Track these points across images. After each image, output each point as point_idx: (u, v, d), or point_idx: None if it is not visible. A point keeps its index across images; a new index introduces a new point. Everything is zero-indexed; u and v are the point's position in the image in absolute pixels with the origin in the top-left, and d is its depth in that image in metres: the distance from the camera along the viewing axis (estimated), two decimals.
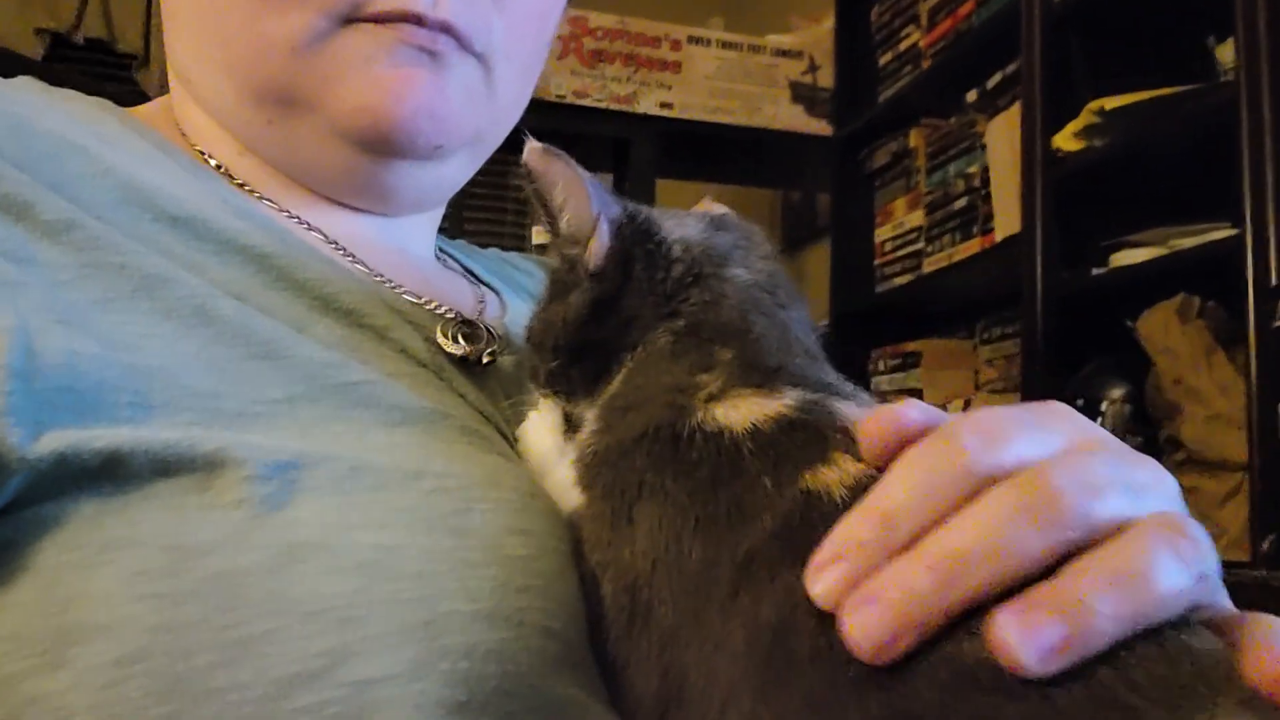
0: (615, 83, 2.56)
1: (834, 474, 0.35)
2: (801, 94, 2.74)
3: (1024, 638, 0.29)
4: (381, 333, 0.48)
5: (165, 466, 0.37)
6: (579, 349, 0.45)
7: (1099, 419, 1.57)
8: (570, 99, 2.55)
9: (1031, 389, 1.79)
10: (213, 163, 0.54)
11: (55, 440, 0.36)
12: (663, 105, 2.60)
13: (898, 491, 0.33)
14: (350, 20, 0.50)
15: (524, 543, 0.41)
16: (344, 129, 0.52)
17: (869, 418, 0.36)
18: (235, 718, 0.33)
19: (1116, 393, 1.67)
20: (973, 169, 2.20)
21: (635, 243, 0.45)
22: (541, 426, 0.48)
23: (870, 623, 0.31)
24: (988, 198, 2.12)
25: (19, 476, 0.35)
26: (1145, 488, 0.34)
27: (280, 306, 0.46)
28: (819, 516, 0.34)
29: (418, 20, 0.50)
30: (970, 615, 0.30)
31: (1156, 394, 1.61)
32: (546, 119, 2.58)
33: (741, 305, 0.43)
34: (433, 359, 0.49)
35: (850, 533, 0.33)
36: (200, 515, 0.37)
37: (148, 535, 0.36)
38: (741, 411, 0.39)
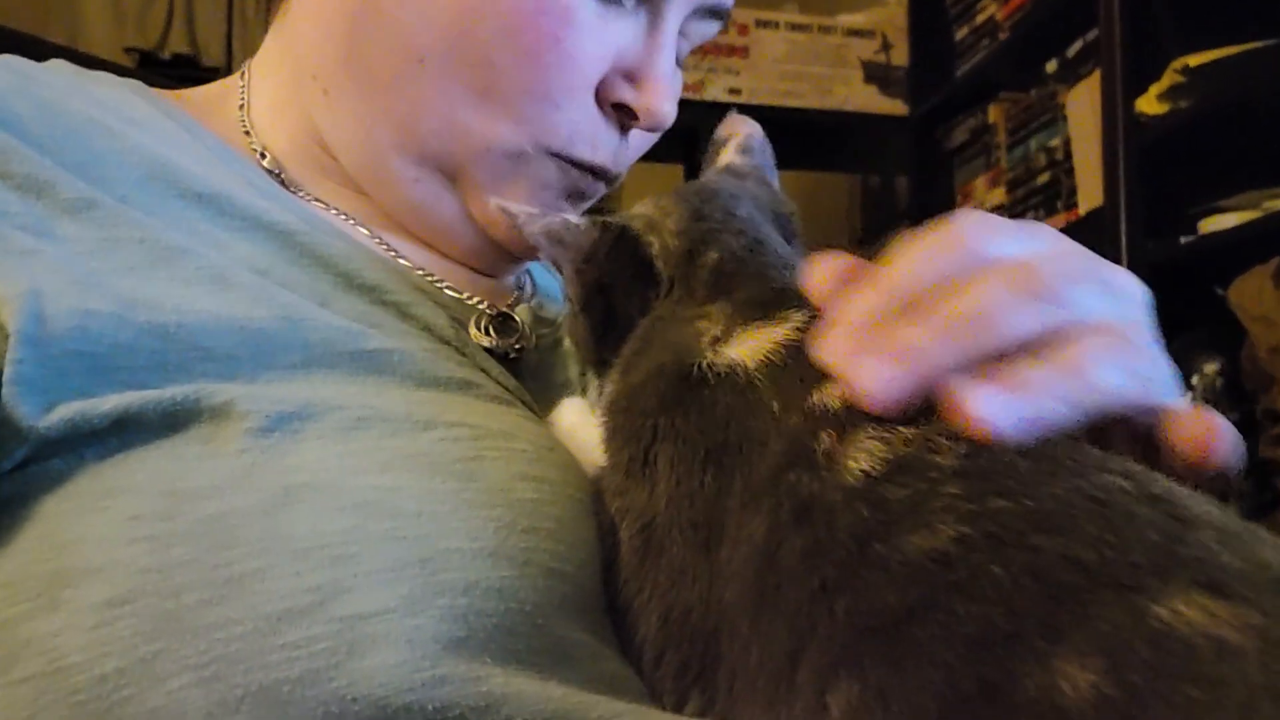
0: (681, 71, 2.54)
1: (839, 388, 0.34)
2: (875, 74, 2.68)
3: (1003, 413, 0.31)
4: (404, 309, 0.48)
5: (174, 421, 0.38)
6: (602, 334, 0.47)
7: (1190, 393, 1.49)
8: None
9: None
10: (265, 161, 0.55)
11: (66, 409, 0.37)
12: (731, 91, 2.56)
13: (902, 269, 0.35)
14: (550, 152, 0.52)
15: (535, 489, 0.41)
16: (494, 227, 0.54)
17: (813, 265, 0.38)
18: (223, 654, 0.33)
19: (1209, 366, 1.58)
20: (1054, 142, 2.12)
21: (613, 244, 0.46)
22: (576, 404, 0.49)
23: (879, 372, 0.33)
24: (1071, 171, 2.04)
25: (29, 444, 0.36)
26: (1119, 289, 0.36)
27: (303, 282, 0.46)
28: (823, 429, 0.33)
29: (601, 175, 0.54)
30: (921, 512, 0.29)
31: (1251, 365, 1.52)
32: None
33: (723, 272, 0.44)
34: (457, 337, 0.50)
35: (856, 302, 0.35)
36: (199, 463, 0.37)
37: (145, 482, 0.36)
38: (750, 345, 0.39)
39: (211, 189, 0.47)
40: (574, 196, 0.55)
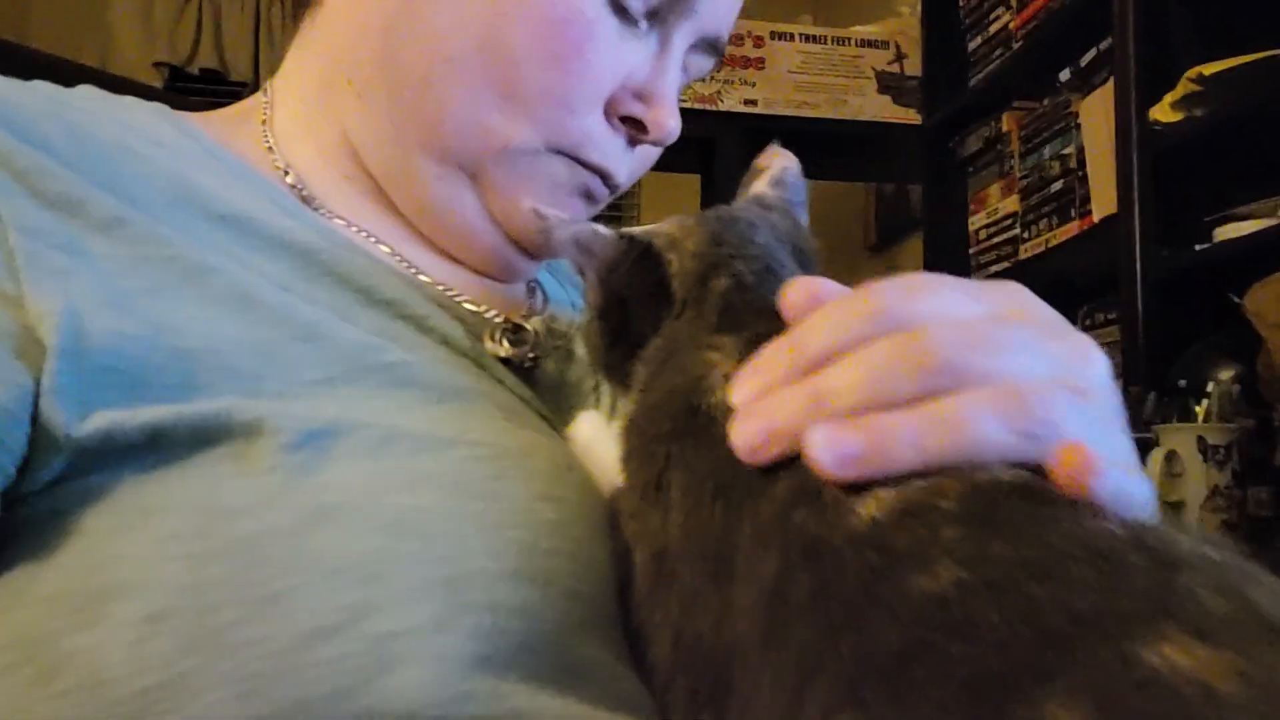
0: (698, 82, 2.56)
1: None
2: (889, 84, 2.69)
3: (826, 446, 0.32)
4: (421, 322, 0.50)
5: (205, 437, 0.39)
6: (613, 342, 0.48)
7: (1204, 401, 1.49)
8: None
9: (1133, 373, 1.70)
10: (288, 177, 0.56)
11: (101, 419, 0.38)
12: (747, 102, 2.58)
13: (814, 326, 0.35)
14: (561, 152, 0.55)
15: (555, 509, 0.42)
16: (510, 221, 0.56)
17: (789, 287, 0.38)
18: (258, 669, 0.34)
19: (1225, 374, 1.58)
20: (1068, 150, 2.12)
21: (636, 258, 0.47)
22: (594, 418, 0.50)
23: (746, 430, 0.34)
24: (1085, 179, 2.04)
25: (66, 453, 0.38)
26: (1055, 357, 0.35)
27: (324, 298, 0.47)
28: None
29: (606, 178, 0.57)
30: (924, 556, 0.29)
31: (1267, 372, 1.51)
32: None
33: (732, 301, 0.44)
34: (473, 348, 0.51)
35: (766, 355, 0.36)
36: (233, 481, 0.38)
37: (182, 501, 0.38)
38: None
39: (234, 210, 0.48)
40: (585, 197, 0.58)
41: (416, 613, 0.36)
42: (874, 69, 2.69)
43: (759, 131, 2.60)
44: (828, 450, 0.32)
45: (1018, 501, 0.31)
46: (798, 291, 0.37)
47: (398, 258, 0.56)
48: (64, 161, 0.45)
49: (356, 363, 0.44)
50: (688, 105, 2.56)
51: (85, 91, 0.54)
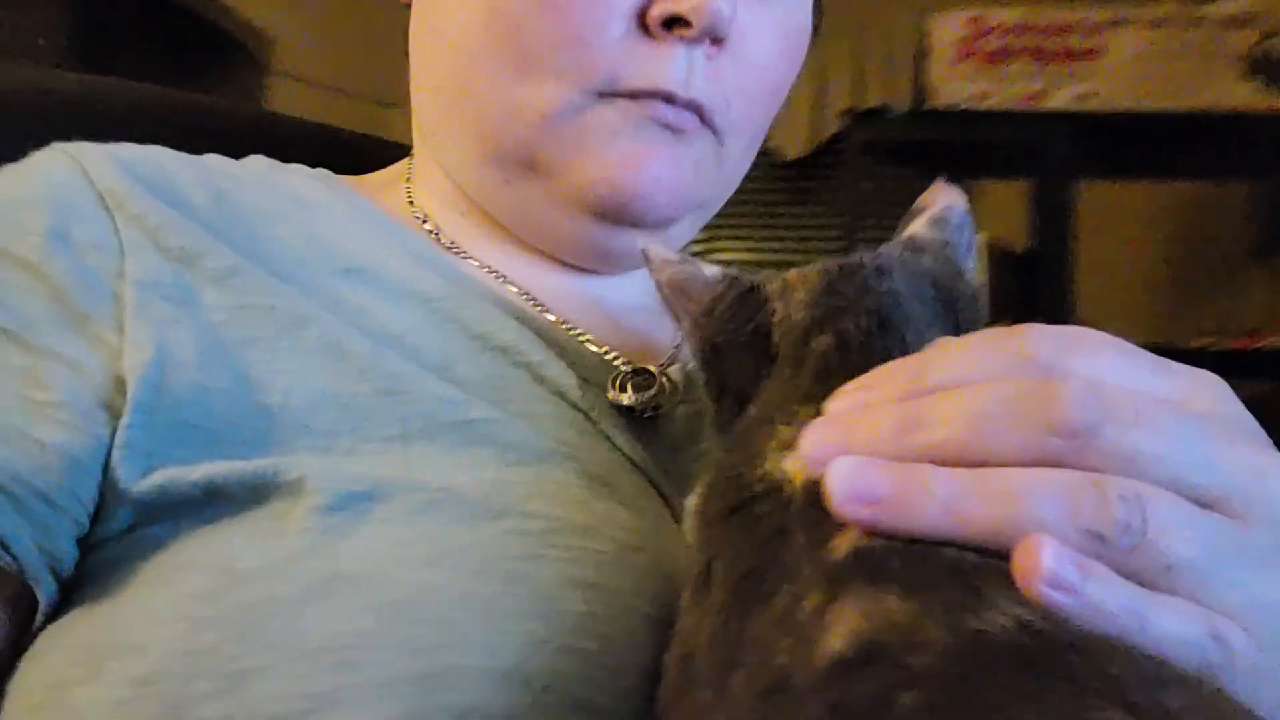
0: (1021, 81, 2.35)
1: (850, 536, 0.30)
2: (1258, 67, 2.34)
3: (847, 477, 0.29)
4: (536, 370, 0.49)
5: (255, 495, 0.39)
6: (714, 396, 0.43)
7: None
8: (967, 105, 2.36)
9: None
10: (426, 225, 0.58)
11: (160, 475, 0.39)
12: (1079, 99, 2.34)
13: (946, 353, 0.32)
14: (603, 94, 0.51)
15: (588, 599, 0.38)
16: (582, 197, 0.53)
17: (834, 397, 0.33)
18: None
19: None
20: None
21: (736, 301, 0.42)
22: None
23: (812, 439, 0.31)
24: None
25: (128, 506, 0.39)
26: (1214, 460, 0.29)
27: (433, 346, 0.47)
28: (816, 586, 0.29)
29: (669, 98, 0.51)
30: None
31: None
32: (943, 130, 2.44)
33: (830, 363, 0.38)
34: (587, 401, 0.49)
35: (880, 371, 0.33)
36: (264, 540, 0.38)
37: (212, 558, 0.38)
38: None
39: (363, 263, 0.50)
40: (665, 131, 0.52)
41: (378, 711, 0.33)
42: (1237, 52, 2.36)
43: (1094, 130, 2.37)
44: (846, 481, 0.29)
45: (1004, 674, 0.25)
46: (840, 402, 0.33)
47: (525, 295, 0.55)
48: (199, 220, 0.47)
49: (432, 418, 0.43)
50: (1009, 107, 2.37)
51: (251, 161, 0.57)
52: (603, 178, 0.52)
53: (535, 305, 0.55)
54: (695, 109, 0.52)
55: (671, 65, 0.51)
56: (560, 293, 0.56)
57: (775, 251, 3.23)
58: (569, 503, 0.42)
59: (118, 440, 0.39)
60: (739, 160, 0.58)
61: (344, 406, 0.43)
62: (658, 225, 0.55)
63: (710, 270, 0.43)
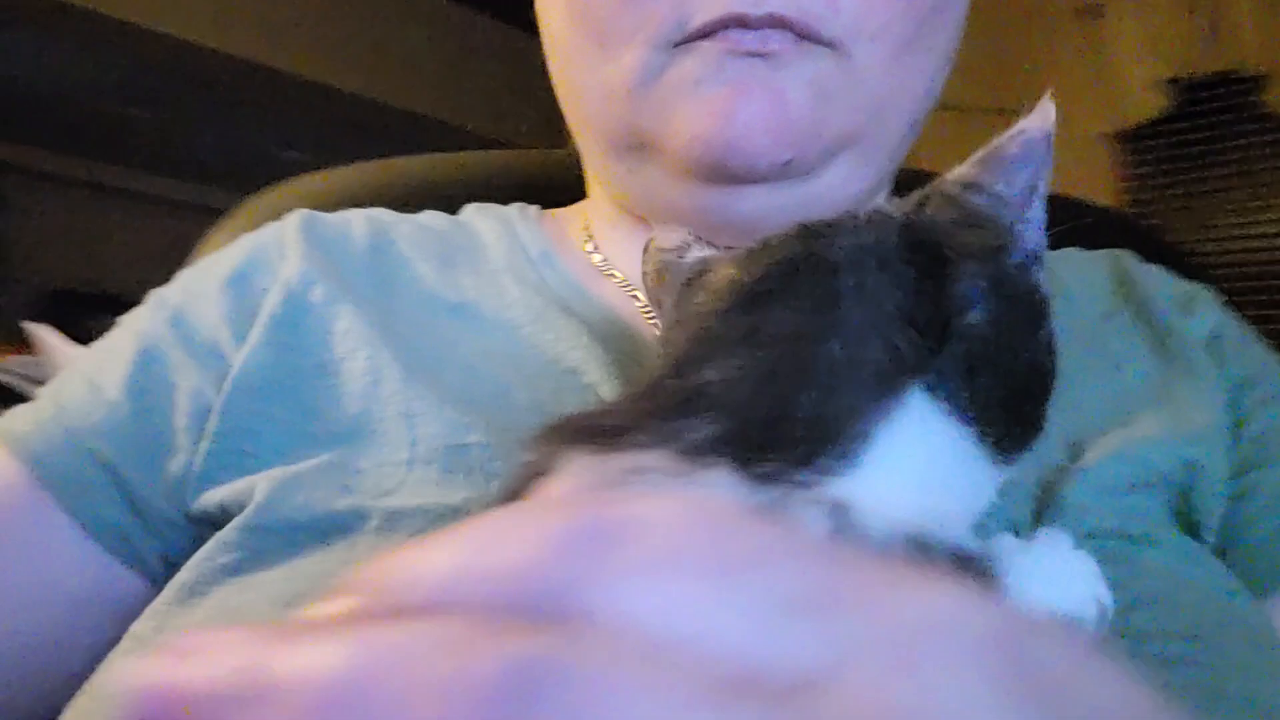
0: None
1: None
2: None
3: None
4: (597, 392, 0.47)
5: (295, 530, 0.41)
6: None
7: None
8: None
9: None
10: (589, 245, 0.58)
11: (213, 495, 0.44)
12: None
13: (432, 553, 0.19)
14: (679, 44, 0.46)
15: None
16: (684, 164, 0.47)
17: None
18: None
19: None
20: None
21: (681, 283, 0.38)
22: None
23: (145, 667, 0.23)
24: None
25: (182, 530, 0.44)
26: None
27: (492, 373, 0.47)
28: None
29: (742, 23, 0.45)
30: None
31: None
32: None
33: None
34: None
35: (364, 573, 0.20)
36: (266, 576, 0.39)
37: (220, 593, 0.39)
38: None
39: (465, 299, 0.52)
40: (757, 62, 0.45)
41: None
42: None
43: None
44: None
45: None
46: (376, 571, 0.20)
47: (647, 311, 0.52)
48: (349, 267, 0.52)
49: (432, 443, 0.43)
50: None
51: (428, 216, 0.60)
52: (695, 135, 0.46)
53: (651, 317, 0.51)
54: (780, 23, 0.45)
55: None
56: None
57: None
58: None
59: (181, 465, 0.46)
60: (893, 73, 0.48)
61: (371, 433, 0.45)
62: (778, 174, 0.47)
63: (697, 253, 0.38)
